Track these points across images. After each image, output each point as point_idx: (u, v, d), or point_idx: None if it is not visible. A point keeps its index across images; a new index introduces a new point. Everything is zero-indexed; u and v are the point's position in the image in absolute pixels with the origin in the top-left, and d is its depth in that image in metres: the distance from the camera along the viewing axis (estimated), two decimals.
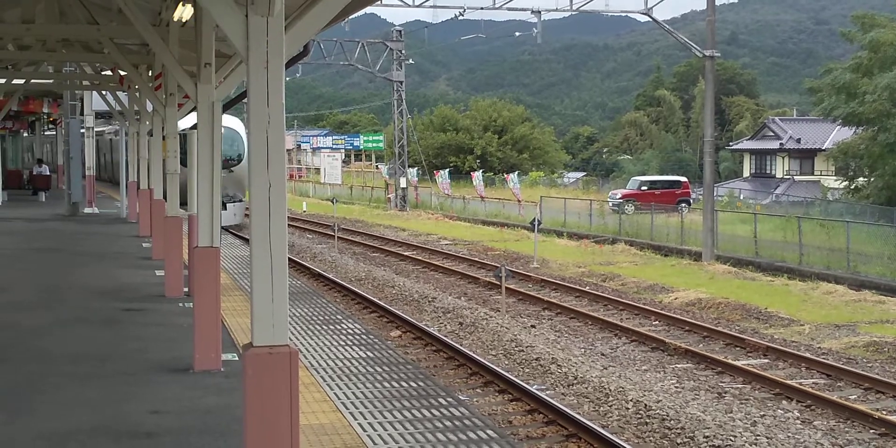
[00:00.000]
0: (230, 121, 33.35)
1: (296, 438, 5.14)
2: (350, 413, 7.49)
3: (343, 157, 73.73)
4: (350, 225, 40.38)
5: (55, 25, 15.33)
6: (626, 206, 43.37)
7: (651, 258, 30.77)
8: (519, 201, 45.50)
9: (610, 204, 44.94)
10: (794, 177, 60.97)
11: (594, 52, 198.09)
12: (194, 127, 14.60)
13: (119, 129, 32.68)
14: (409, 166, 52.22)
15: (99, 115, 33.00)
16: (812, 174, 60.44)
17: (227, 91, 10.38)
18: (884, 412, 12.70)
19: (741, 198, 52.93)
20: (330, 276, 23.57)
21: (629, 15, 37.40)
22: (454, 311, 19.25)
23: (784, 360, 15.80)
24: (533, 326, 18.45)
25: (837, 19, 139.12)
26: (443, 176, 52.53)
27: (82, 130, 29.81)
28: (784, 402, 13.37)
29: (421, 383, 8.34)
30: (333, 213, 43.50)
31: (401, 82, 50.62)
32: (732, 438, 11.37)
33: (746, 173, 66.85)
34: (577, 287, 23.38)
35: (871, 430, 12.04)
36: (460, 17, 38.98)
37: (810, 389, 13.75)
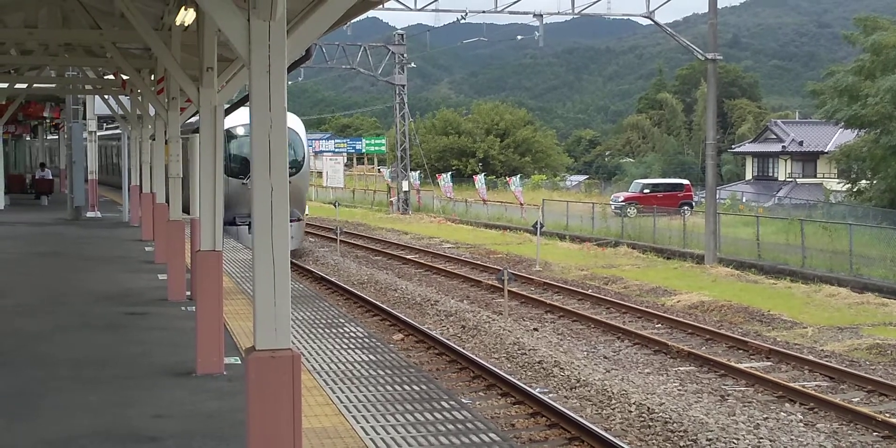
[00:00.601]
0: (290, 120, 33.28)
1: (298, 442, 5.14)
2: (353, 416, 7.49)
3: (345, 160, 73.75)
4: (352, 228, 40.41)
5: (58, 30, 15.36)
6: (628, 209, 43.37)
7: (653, 261, 30.77)
8: (521, 204, 45.50)
9: (612, 207, 44.95)
10: (797, 179, 60.94)
11: (596, 55, 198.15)
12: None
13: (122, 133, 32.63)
14: (411, 170, 52.23)
15: (101, 120, 32.96)
16: (814, 177, 60.43)
17: (230, 95, 10.39)
18: (887, 415, 12.68)
19: (743, 200, 52.92)
20: (332, 279, 23.60)
21: (631, 18, 37.43)
22: (456, 314, 19.25)
23: (787, 363, 15.78)
24: (535, 329, 18.44)
25: (839, 22, 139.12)
26: (445, 179, 52.54)
27: (84, 135, 29.84)
28: (787, 404, 13.36)
29: (423, 387, 8.34)
30: (336, 216, 43.52)
31: (403, 86, 50.65)
32: (735, 441, 11.36)
33: (749, 176, 66.83)
34: (580, 290, 23.38)
35: (875, 433, 12.03)
36: (462, 21, 39.01)
37: (813, 392, 13.73)
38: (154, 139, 18.40)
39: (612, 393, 13.42)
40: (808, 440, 11.64)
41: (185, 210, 13.80)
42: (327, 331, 10.91)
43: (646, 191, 49.42)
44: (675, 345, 16.76)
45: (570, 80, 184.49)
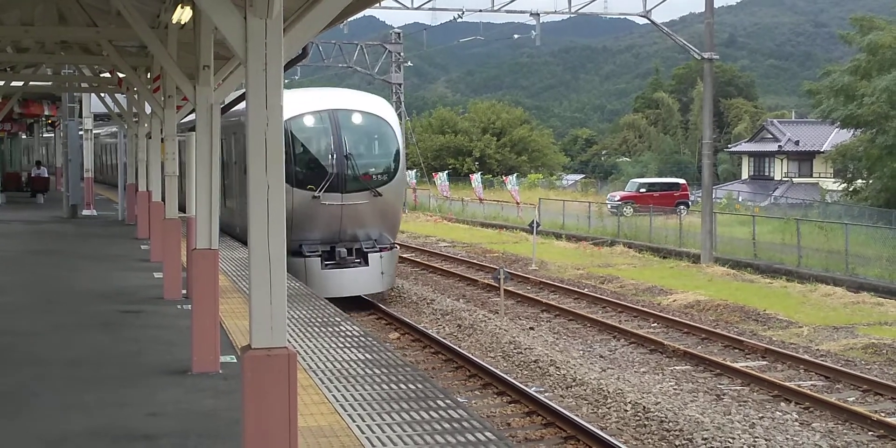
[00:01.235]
0: (375, 103, 21.02)
1: (294, 440, 5.14)
2: (349, 415, 7.48)
3: None
4: None
5: (54, 28, 15.32)
6: (624, 209, 43.37)
7: (649, 260, 30.78)
8: (517, 203, 45.50)
9: (608, 206, 44.95)
10: (793, 179, 60.99)
11: (593, 54, 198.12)
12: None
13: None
14: (407, 168, 52.21)
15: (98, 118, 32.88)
16: (810, 176, 60.47)
17: (226, 93, 10.38)
18: (882, 414, 12.70)
19: (739, 200, 52.94)
20: None
21: (628, 17, 37.42)
22: (453, 313, 19.25)
23: (782, 362, 15.80)
24: (531, 328, 18.45)
25: (836, 22, 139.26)
26: (441, 178, 52.53)
27: (80, 132, 29.79)
28: (783, 403, 13.37)
29: (419, 385, 8.34)
30: None
31: (399, 84, 50.64)
32: (731, 440, 11.37)
33: (745, 175, 66.87)
34: (576, 289, 23.39)
35: (870, 432, 12.05)
36: (459, 20, 39.03)
37: (809, 391, 13.75)
38: (150, 137, 18.36)
39: (608, 392, 13.42)
40: (803, 439, 11.66)
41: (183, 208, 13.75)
42: (323, 329, 10.90)
43: (642, 190, 49.43)
44: (670, 344, 16.77)
45: (567, 80, 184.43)
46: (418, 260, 29.06)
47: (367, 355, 9.56)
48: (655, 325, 19.23)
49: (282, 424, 5.10)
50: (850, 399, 13.67)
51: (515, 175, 52.21)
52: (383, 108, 20.98)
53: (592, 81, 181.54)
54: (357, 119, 19.99)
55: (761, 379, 14.43)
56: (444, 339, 16.61)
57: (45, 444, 7.13)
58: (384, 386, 8.35)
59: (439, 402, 7.81)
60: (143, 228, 21.03)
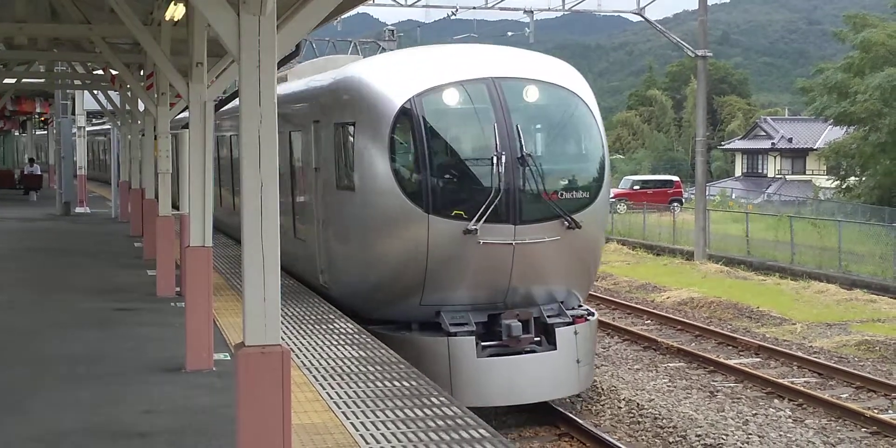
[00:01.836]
0: (561, 70, 12.98)
1: (288, 438, 5.14)
2: (342, 412, 7.48)
3: None
4: None
5: (46, 24, 15.29)
6: (618, 206, 43.40)
7: (643, 257, 30.82)
8: None
9: None
10: (786, 176, 61.08)
11: (586, 51, 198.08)
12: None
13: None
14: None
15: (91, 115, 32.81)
16: (804, 173, 60.57)
17: (219, 90, 10.36)
18: (875, 411, 12.73)
19: (733, 197, 53.02)
20: None
21: (621, 15, 37.42)
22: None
23: (776, 359, 15.83)
24: None
25: (829, 19, 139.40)
26: None
27: (73, 130, 29.74)
28: (776, 400, 13.40)
29: (414, 382, 8.34)
30: None
31: None
32: (724, 437, 11.40)
33: (738, 173, 66.96)
34: None
35: (863, 429, 12.08)
36: (453, 17, 38.96)
37: (802, 388, 13.78)
38: (143, 135, 18.33)
39: (602, 389, 13.44)
40: (796, 436, 11.68)
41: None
42: (317, 326, 10.89)
43: (636, 187, 49.47)
44: (664, 341, 16.80)
45: None
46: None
47: (362, 352, 9.56)
48: (649, 322, 19.26)
49: (276, 422, 5.10)
50: (844, 396, 13.70)
51: None
52: (573, 78, 12.81)
53: (586, 79, 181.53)
54: (535, 95, 12.08)
55: (755, 376, 14.45)
56: None
57: (42, 442, 7.12)
58: (378, 383, 8.35)
59: (433, 399, 7.81)
60: (137, 226, 21.00)
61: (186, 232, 9.72)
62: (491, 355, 11.40)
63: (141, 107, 19.82)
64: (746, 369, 14.88)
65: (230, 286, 14.14)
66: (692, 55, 31.25)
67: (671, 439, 11.45)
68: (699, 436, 11.41)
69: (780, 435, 11.67)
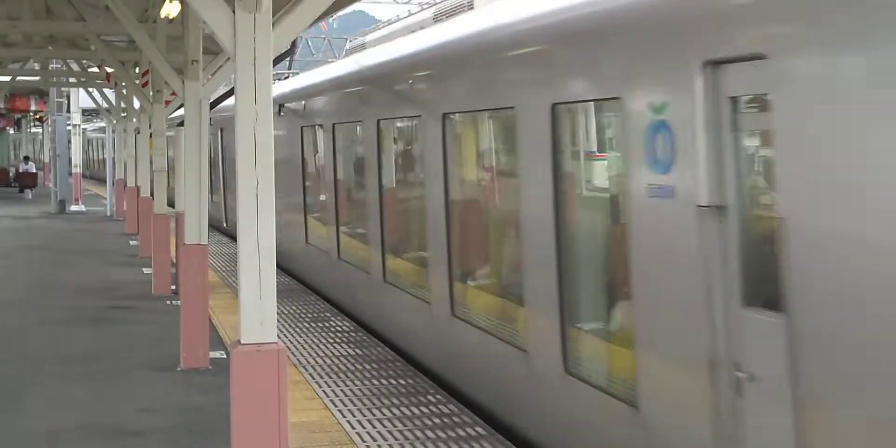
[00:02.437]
0: None
1: (284, 436, 5.13)
2: (339, 410, 7.47)
3: None
4: None
5: (41, 22, 15.24)
6: None
7: None
8: None
9: None
10: None
11: None
12: None
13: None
14: None
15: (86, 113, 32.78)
16: None
17: (215, 88, 10.35)
18: None
19: None
20: None
21: None
22: None
23: None
24: None
25: None
26: None
27: (69, 128, 29.71)
28: None
29: (410, 381, 8.33)
30: None
31: None
32: None
33: None
34: None
35: None
36: None
37: None
38: (139, 132, 18.30)
39: None
40: None
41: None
42: (313, 325, 10.88)
43: None
44: None
45: None
46: None
47: (358, 351, 9.55)
48: None
49: (272, 420, 5.09)
50: None
51: None
52: None
53: None
54: None
55: None
56: None
57: (37, 441, 7.11)
58: (374, 381, 8.34)
59: (430, 397, 7.80)
60: (132, 224, 20.99)
61: (182, 230, 9.71)
62: None
63: (136, 104, 19.81)
64: None
65: (226, 284, 14.12)
66: None
67: None
68: None
69: None
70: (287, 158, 13.88)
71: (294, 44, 14.77)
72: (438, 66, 8.44)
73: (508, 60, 7.03)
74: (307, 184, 13.74)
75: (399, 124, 9.93)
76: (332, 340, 10.03)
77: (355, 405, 7.61)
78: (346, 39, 48.84)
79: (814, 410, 4.05)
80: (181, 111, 10.65)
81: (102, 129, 38.31)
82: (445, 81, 8.29)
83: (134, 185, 20.92)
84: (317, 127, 12.97)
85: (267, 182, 5.05)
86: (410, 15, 12.84)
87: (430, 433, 6.88)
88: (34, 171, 39.41)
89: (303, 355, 9.35)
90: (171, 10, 10.95)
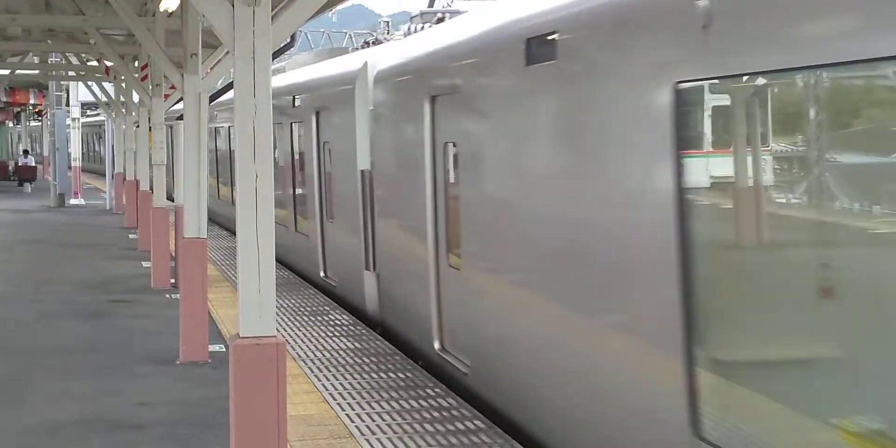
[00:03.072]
0: None
1: (283, 429, 5.14)
2: (338, 404, 7.48)
3: None
4: None
5: (40, 15, 15.23)
6: None
7: None
8: None
9: None
10: None
11: None
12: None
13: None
14: None
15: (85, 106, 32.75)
16: None
17: (214, 82, 10.35)
18: None
19: None
20: None
21: None
22: None
23: None
24: None
25: None
26: None
27: (68, 121, 29.69)
28: None
29: (409, 374, 8.34)
30: None
31: None
32: None
33: None
34: None
35: None
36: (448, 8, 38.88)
37: None
38: (138, 126, 18.29)
39: None
40: None
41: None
42: (312, 318, 10.89)
43: None
44: None
45: None
46: None
47: (357, 344, 9.56)
48: None
49: (271, 413, 5.10)
50: None
51: None
52: None
53: None
54: None
55: None
56: None
57: (37, 434, 7.12)
58: (374, 375, 8.35)
59: (429, 390, 7.81)
60: (131, 217, 20.99)
61: (181, 223, 9.71)
62: None
63: (135, 98, 19.79)
64: None
65: (225, 278, 14.13)
66: None
67: None
68: None
69: None
70: None
71: (293, 37, 14.72)
72: None
73: None
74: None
75: None
76: (331, 334, 10.04)
77: (354, 398, 7.63)
78: (345, 33, 48.84)
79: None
80: (180, 105, 10.65)
81: (99, 123, 38.25)
82: None
83: (133, 178, 20.92)
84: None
85: (266, 176, 5.05)
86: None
87: (428, 426, 6.89)
88: (33, 164, 39.40)
89: (302, 349, 9.36)
90: (169, 3, 10.94)
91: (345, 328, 10.34)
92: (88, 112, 45.17)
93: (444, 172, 8.41)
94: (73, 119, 29.93)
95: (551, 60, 6.09)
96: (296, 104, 13.67)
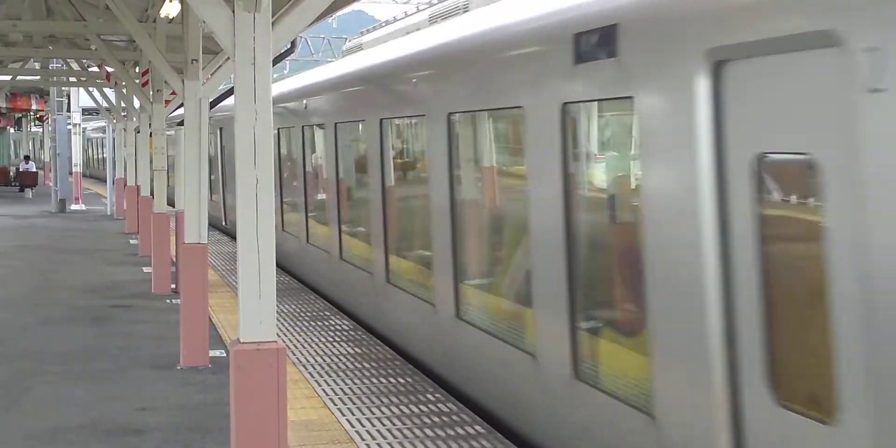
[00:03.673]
0: None
1: (283, 434, 5.15)
2: (338, 409, 7.49)
3: None
4: None
5: (42, 22, 15.28)
6: None
7: None
8: None
9: None
10: None
11: None
12: None
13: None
14: None
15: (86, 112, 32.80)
16: None
17: (215, 87, 10.37)
18: None
19: None
20: None
21: None
22: None
23: None
24: None
25: None
26: None
27: (69, 127, 29.73)
28: None
29: (409, 379, 8.35)
30: None
31: None
32: None
33: None
34: None
35: None
36: None
37: None
38: (139, 132, 18.32)
39: None
40: None
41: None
42: (313, 323, 10.90)
43: None
44: None
45: None
46: None
47: (357, 349, 9.57)
48: None
49: (271, 418, 5.11)
50: None
51: None
52: None
53: None
54: None
55: None
56: None
57: (37, 439, 7.13)
58: (374, 380, 8.36)
59: (429, 395, 7.82)
60: (132, 223, 21.01)
61: (182, 229, 9.73)
62: None
63: (136, 104, 19.83)
64: None
65: (226, 283, 14.14)
66: None
67: None
68: None
69: None
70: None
71: (293, 43, 14.76)
72: None
73: None
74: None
75: None
76: (331, 339, 10.06)
77: (354, 404, 7.63)
78: (345, 39, 48.88)
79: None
80: (181, 111, 10.67)
81: (102, 129, 38.31)
82: None
83: (134, 184, 20.95)
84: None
85: (266, 181, 5.07)
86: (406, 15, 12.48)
87: (429, 431, 6.90)
88: (34, 170, 39.44)
89: (302, 354, 9.37)
90: (170, 9, 10.97)
91: (345, 333, 10.35)
92: (93, 123, 45.26)
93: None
94: (74, 125, 29.97)
95: None
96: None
